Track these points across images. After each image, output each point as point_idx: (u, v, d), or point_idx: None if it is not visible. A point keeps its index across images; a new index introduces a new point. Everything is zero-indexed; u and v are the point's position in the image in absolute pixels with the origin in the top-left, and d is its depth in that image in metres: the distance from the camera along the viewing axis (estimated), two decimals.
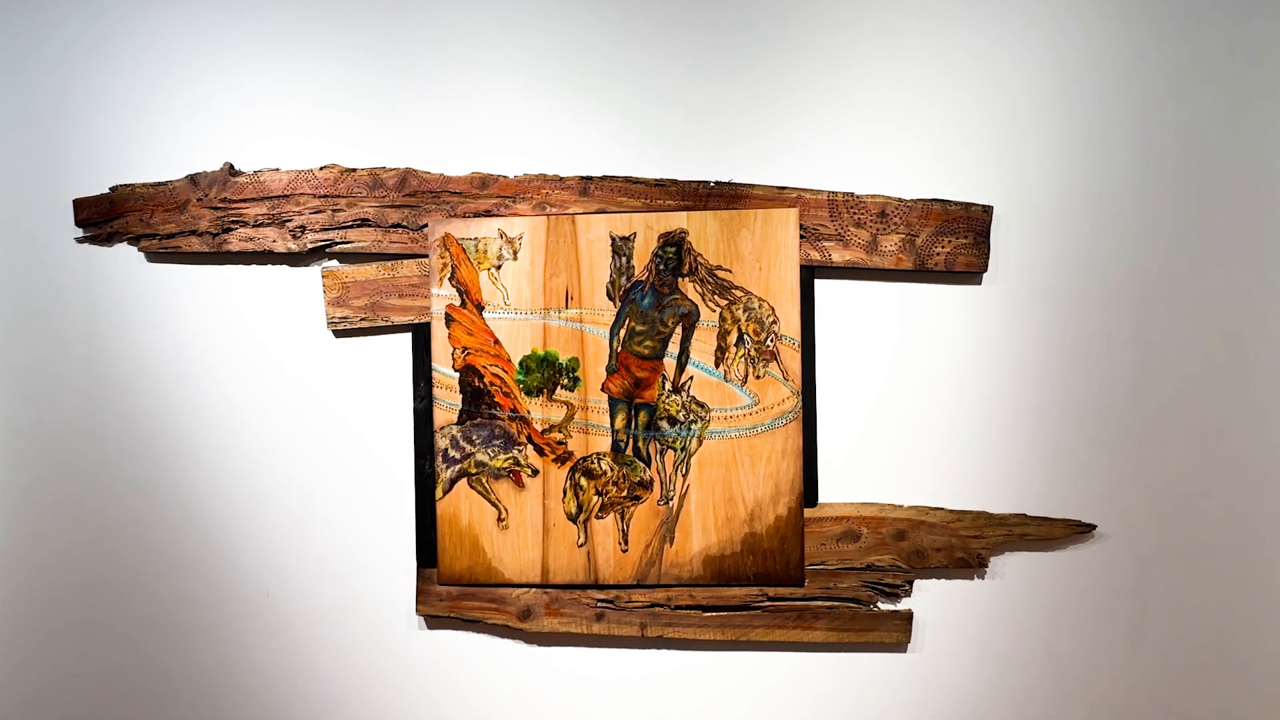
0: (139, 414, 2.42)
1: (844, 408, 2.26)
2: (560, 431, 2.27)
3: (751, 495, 2.23)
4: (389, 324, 2.33)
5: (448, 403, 2.31)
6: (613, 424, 2.26)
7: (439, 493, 2.31)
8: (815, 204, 2.21)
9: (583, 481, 2.27)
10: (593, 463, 2.27)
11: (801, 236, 2.21)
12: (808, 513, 2.24)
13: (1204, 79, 2.16)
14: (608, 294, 2.25)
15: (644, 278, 2.24)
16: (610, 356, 2.26)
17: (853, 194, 2.20)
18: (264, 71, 2.36)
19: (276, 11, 2.36)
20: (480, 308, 2.29)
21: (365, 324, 2.33)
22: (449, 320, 2.30)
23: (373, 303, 2.33)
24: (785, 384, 2.22)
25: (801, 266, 2.21)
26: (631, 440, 2.26)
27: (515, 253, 2.27)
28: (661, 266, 2.23)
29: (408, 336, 2.35)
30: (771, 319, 2.22)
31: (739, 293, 2.23)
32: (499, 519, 2.30)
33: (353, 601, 2.39)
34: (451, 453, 2.31)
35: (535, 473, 2.28)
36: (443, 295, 2.30)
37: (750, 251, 2.22)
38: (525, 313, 2.27)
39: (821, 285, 2.25)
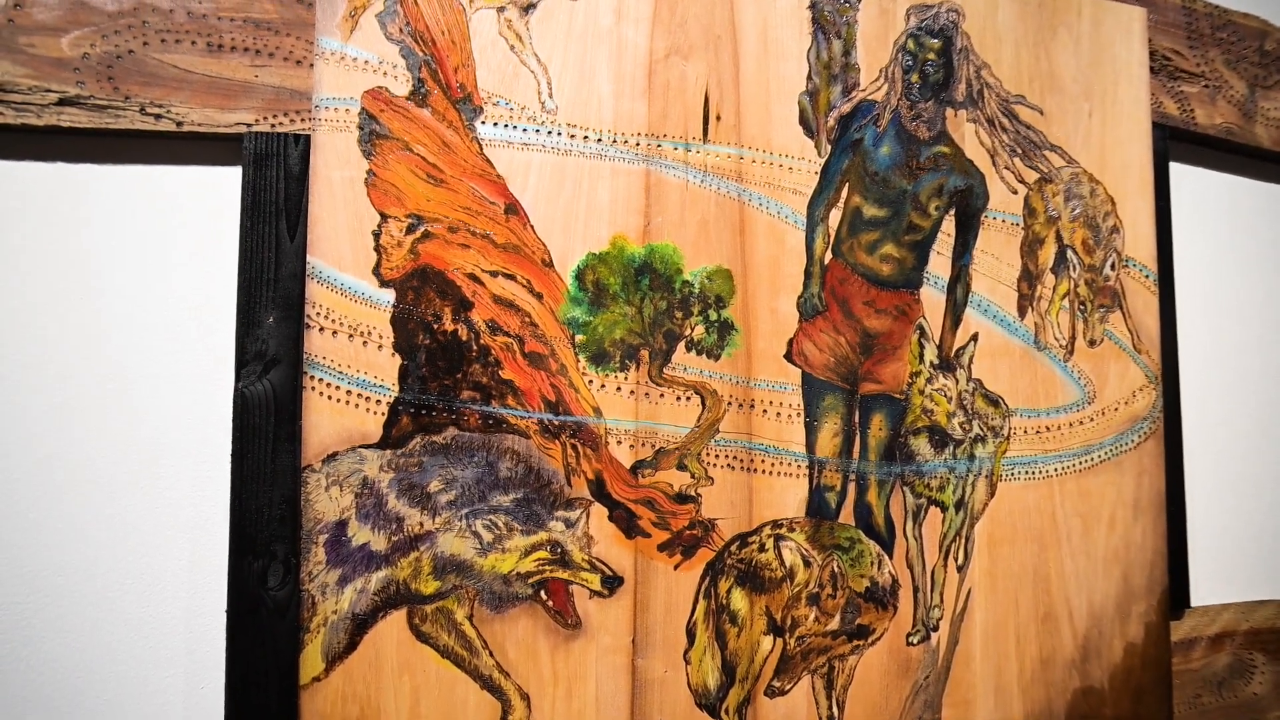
0: None
1: (1217, 411, 1.15)
2: (684, 468, 0.85)
3: (1083, 603, 1.00)
4: (176, 128, 0.73)
5: (354, 380, 0.76)
6: (811, 445, 0.90)
7: (315, 660, 0.72)
8: (1165, 8, 1.13)
9: (738, 603, 0.86)
10: (764, 549, 0.87)
11: (1150, 68, 1.09)
12: (1171, 632, 1.06)
13: None
14: (803, 120, 0.91)
15: (880, 96, 0.95)
16: (809, 275, 0.91)
17: (1218, 5, 1.16)
18: None
19: None
20: (470, 107, 0.80)
21: (99, 119, 0.71)
22: (371, 136, 0.77)
23: (119, 55, 0.72)
24: (1136, 359, 1.06)
25: (1152, 125, 1.09)
26: (855, 486, 0.91)
27: None
28: (915, 77, 0.96)
29: (230, 175, 0.77)
30: (1110, 222, 1.06)
31: (1057, 160, 1.03)
32: None
33: None
34: (359, 538, 0.75)
35: (613, 587, 0.81)
36: (354, 60, 0.77)
37: (1073, 74, 1.05)
38: (598, 138, 0.84)
39: (1178, 171, 1.15)
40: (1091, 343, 1.03)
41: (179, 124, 0.74)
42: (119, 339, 0.73)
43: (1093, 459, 1.02)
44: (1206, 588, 1.12)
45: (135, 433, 0.73)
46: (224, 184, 0.76)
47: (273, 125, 0.76)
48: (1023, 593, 0.97)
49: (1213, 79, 1.14)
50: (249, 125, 0.75)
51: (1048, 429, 1.00)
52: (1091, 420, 1.02)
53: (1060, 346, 1.02)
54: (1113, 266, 1.05)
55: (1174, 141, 1.12)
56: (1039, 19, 1.04)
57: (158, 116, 0.73)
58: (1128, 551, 1.03)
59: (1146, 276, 1.07)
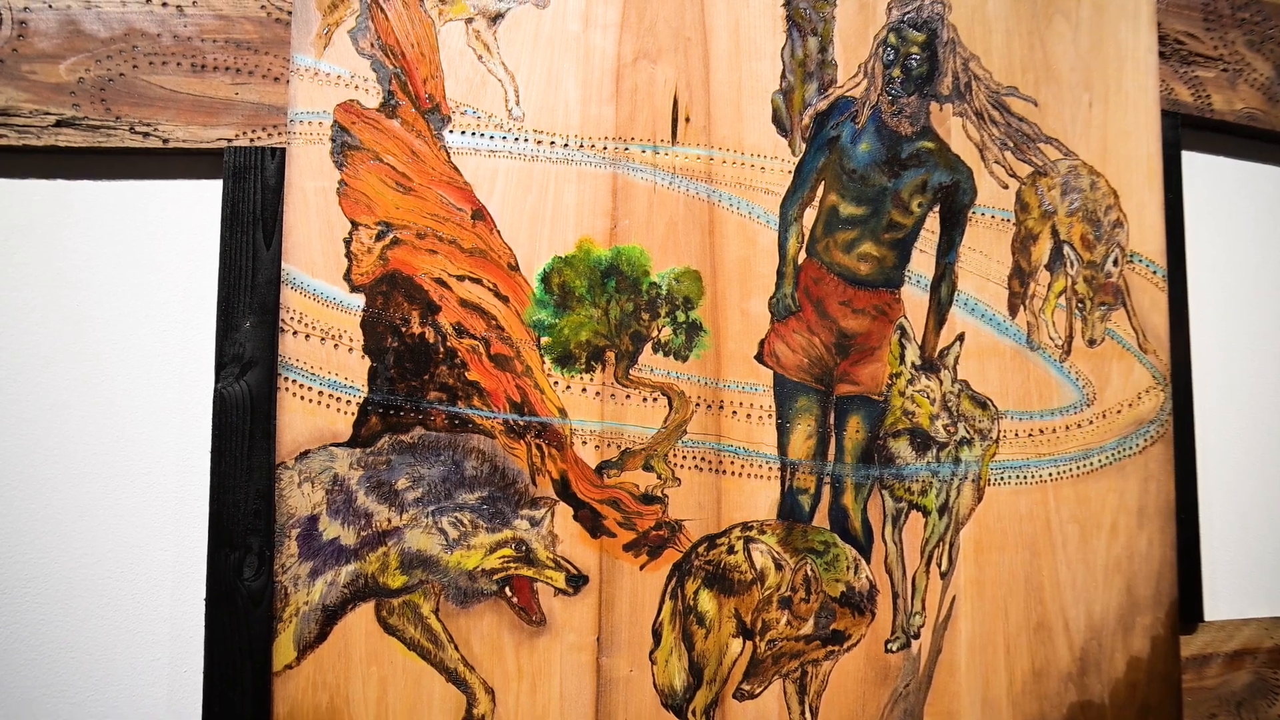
0: None
1: (1234, 414, 1.09)
2: (650, 469, 0.85)
3: (1080, 614, 0.96)
4: (162, 145, 0.78)
5: (325, 381, 0.79)
6: (783, 447, 0.89)
7: (288, 648, 0.76)
8: None
9: (706, 604, 0.86)
10: (733, 551, 0.87)
11: (1160, 53, 1.04)
12: (1183, 646, 1.01)
13: None
14: (777, 119, 0.91)
15: (859, 92, 0.93)
16: (782, 275, 0.90)
17: None
18: None
19: None
20: (438, 117, 0.83)
21: (93, 139, 0.76)
22: (343, 147, 0.80)
23: (111, 78, 0.78)
24: (1142, 359, 1.01)
25: (1162, 113, 1.04)
26: (830, 489, 0.90)
27: None
28: (897, 71, 0.94)
29: (212, 188, 0.82)
30: (1113, 216, 1.01)
31: (1053, 152, 1.00)
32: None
33: None
34: (329, 532, 0.78)
35: (578, 585, 0.82)
36: (327, 74, 0.81)
37: (1071, 62, 1.01)
38: (565, 144, 0.85)
39: (1193, 161, 1.09)
40: (1091, 342, 0.99)
41: (165, 141, 0.79)
42: (110, 344, 0.79)
43: (1092, 463, 0.98)
44: (1226, 602, 1.06)
45: (125, 430, 0.78)
46: (206, 196, 0.81)
47: (252, 140, 0.80)
48: (1013, 601, 0.94)
49: (1233, 62, 1.08)
50: (230, 140, 0.80)
51: (1041, 432, 0.97)
52: (1090, 423, 0.98)
53: (1056, 346, 0.98)
54: (1115, 262, 1.00)
55: (1188, 129, 1.06)
56: (1033, 7, 1.00)
57: (146, 135, 0.78)
58: (1131, 561, 0.98)
59: (1154, 272, 1.02)
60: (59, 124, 0.77)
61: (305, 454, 0.78)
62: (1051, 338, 0.98)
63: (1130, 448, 0.99)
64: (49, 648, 0.75)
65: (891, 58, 0.94)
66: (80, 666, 0.76)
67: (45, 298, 0.78)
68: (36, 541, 0.76)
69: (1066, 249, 0.99)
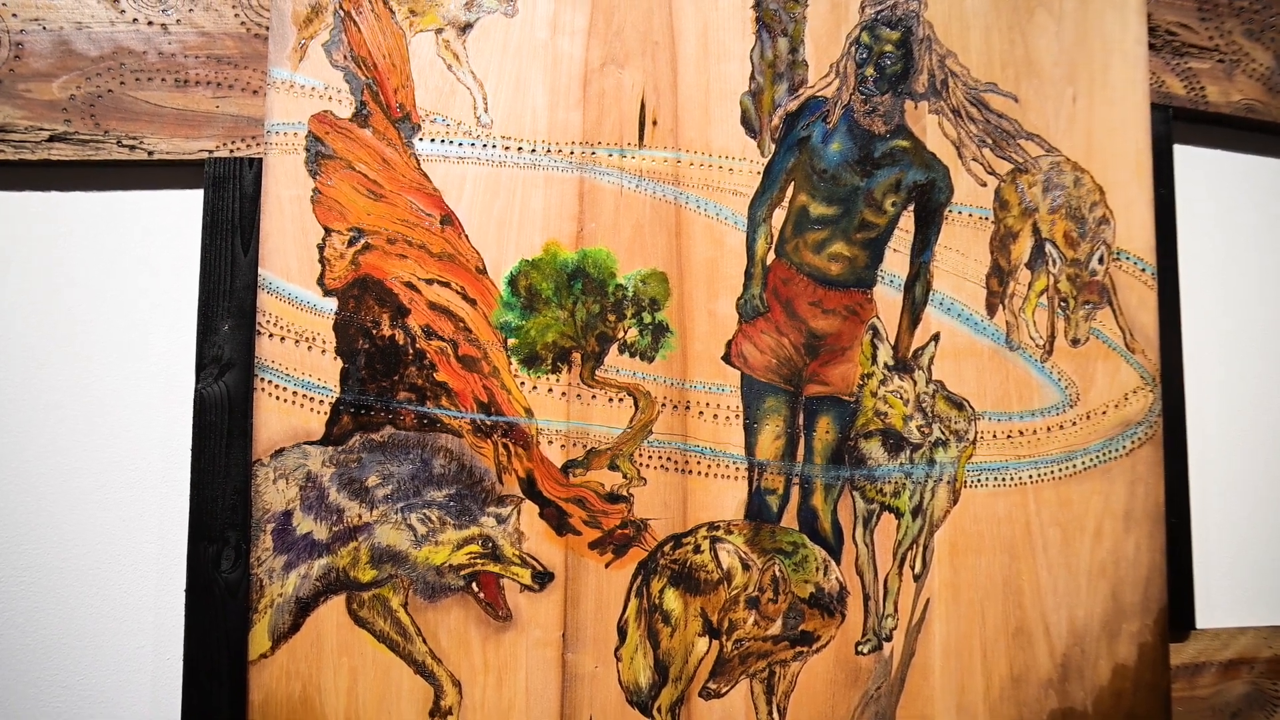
0: None
1: (1229, 416, 1.06)
2: (616, 468, 0.86)
3: (1061, 619, 0.94)
4: (148, 157, 0.82)
5: (299, 381, 0.82)
6: (751, 447, 0.89)
7: (262, 638, 0.79)
8: None
9: (671, 603, 0.86)
10: (699, 551, 0.87)
11: (1150, 44, 1.02)
12: (1173, 655, 0.98)
13: None
14: (745, 120, 0.91)
15: (830, 92, 0.93)
16: (750, 276, 0.90)
17: None
18: None
19: None
20: (408, 125, 0.85)
21: (83, 152, 0.81)
22: (317, 156, 0.83)
23: (100, 95, 0.82)
24: (1129, 359, 0.98)
25: (1152, 107, 1.01)
26: (799, 490, 0.90)
27: None
28: (871, 70, 0.94)
29: (193, 197, 0.86)
30: (1099, 213, 0.99)
31: (1035, 149, 0.98)
32: (437, 714, 0.82)
33: None
34: (302, 527, 0.81)
35: (544, 582, 0.84)
36: (302, 86, 0.84)
37: (1054, 57, 0.99)
38: (532, 149, 0.87)
39: (1185, 155, 1.06)
40: (1075, 342, 0.97)
41: (150, 153, 0.83)
42: (99, 348, 0.83)
43: (1075, 465, 0.96)
44: (1222, 610, 1.02)
45: (113, 428, 0.82)
46: (188, 206, 0.85)
47: (231, 151, 0.84)
48: (990, 605, 0.93)
49: (1229, 52, 1.04)
50: (210, 152, 0.83)
51: (1021, 433, 0.95)
52: (1074, 424, 0.96)
53: (1037, 346, 0.96)
54: (1101, 260, 0.98)
55: (1181, 123, 1.03)
56: (1013, 0, 0.98)
57: (132, 148, 0.82)
58: (1117, 566, 0.96)
59: (1143, 270, 0.99)
60: (52, 139, 0.81)
61: (280, 452, 0.81)
62: (1032, 337, 0.96)
63: (1116, 450, 0.97)
64: (42, 634, 0.80)
65: (865, 56, 0.94)
66: (71, 652, 0.80)
67: (40, 304, 0.82)
68: (31, 534, 0.80)
69: (1048, 247, 0.97)
